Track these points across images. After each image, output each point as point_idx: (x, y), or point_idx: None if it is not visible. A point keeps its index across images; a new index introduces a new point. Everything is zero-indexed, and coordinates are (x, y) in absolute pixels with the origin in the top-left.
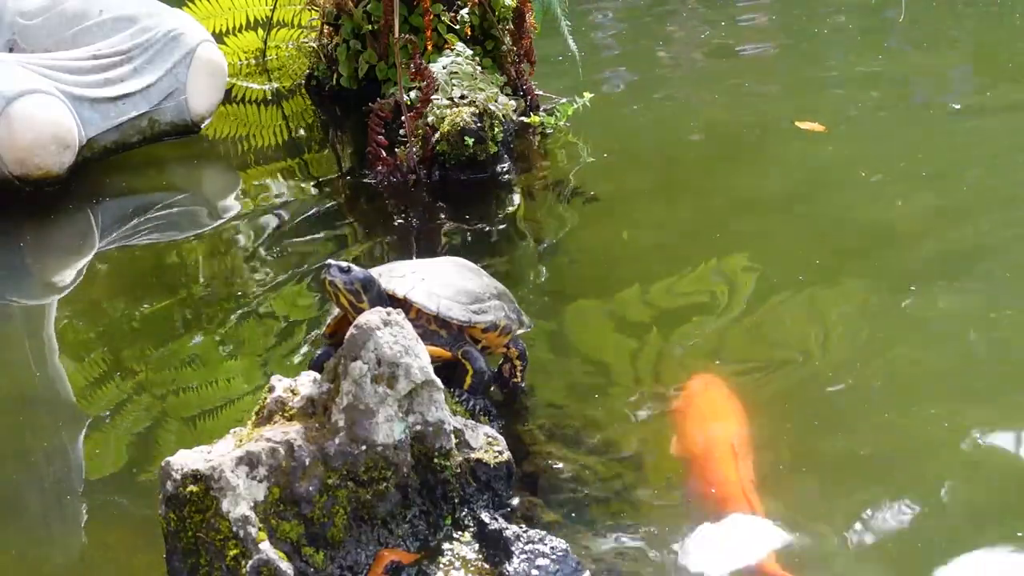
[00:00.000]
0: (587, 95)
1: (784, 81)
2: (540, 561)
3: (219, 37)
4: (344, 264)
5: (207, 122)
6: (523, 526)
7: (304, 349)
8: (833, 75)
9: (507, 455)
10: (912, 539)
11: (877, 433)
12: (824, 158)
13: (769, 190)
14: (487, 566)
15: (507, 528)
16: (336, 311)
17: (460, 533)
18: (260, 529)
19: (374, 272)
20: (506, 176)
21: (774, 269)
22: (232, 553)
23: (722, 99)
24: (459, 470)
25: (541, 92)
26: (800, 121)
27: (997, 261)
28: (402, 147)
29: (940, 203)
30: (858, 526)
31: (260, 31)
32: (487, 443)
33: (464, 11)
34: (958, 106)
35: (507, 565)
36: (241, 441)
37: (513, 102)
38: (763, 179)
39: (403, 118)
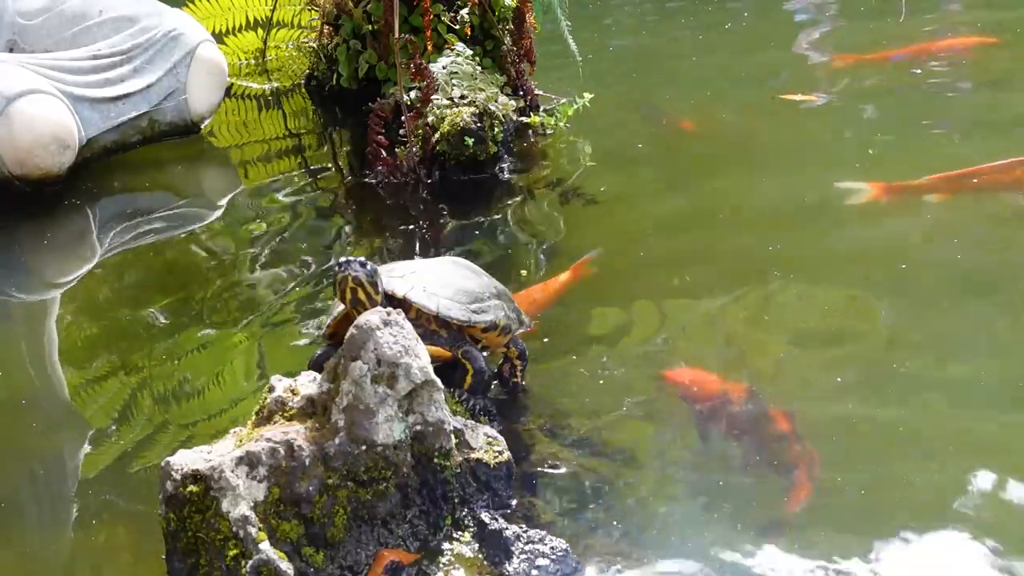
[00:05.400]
0: (587, 95)
1: (784, 66)
2: (540, 561)
3: (219, 37)
4: (361, 259)
5: (207, 122)
6: (523, 526)
7: (304, 349)
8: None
9: (507, 455)
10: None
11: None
12: (824, 135)
13: (772, 181)
14: (487, 566)
15: (507, 528)
16: (336, 311)
17: (460, 533)
18: (260, 529)
19: None
20: (506, 176)
21: (777, 267)
22: (232, 553)
23: (722, 93)
24: (459, 470)
25: (541, 92)
26: (785, 95)
27: None
28: (402, 147)
29: None
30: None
31: (260, 31)
32: (487, 443)
33: (464, 11)
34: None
35: (507, 565)
36: (241, 441)
37: (513, 102)
38: (765, 169)
39: (403, 118)
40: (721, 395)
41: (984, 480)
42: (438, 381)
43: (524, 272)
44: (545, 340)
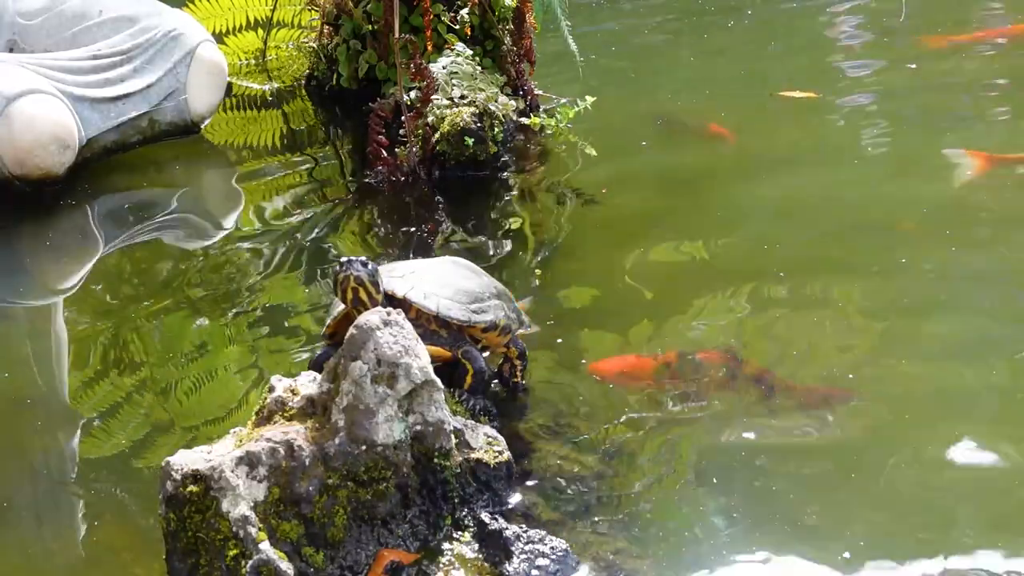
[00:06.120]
0: (589, 99)
1: (787, 62)
2: (540, 561)
3: (219, 37)
4: (363, 259)
5: (207, 122)
6: (523, 526)
7: (304, 349)
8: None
9: (507, 455)
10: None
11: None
12: (827, 130)
13: (772, 178)
14: (487, 566)
15: (507, 528)
16: (336, 311)
17: (460, 533)
18: (260, 529)
19: None
20: (506, 176)
21: (777, 266)
22: (232, 553)
23: (724, 92)
24: (459, 470)
25: (541, 92)
26: (783, 91)
27: None
28: (402, 147)
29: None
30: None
31: (260, 31)
32: (487, 443)
33: (464, 11)
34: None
35: (507, 565)
36: (241, 441)
37: (513, 102)
38: (767, 165)
39: (403, 118)
40: (659, 369)
41: None
42: (438, 381)
43: (524, 272)
44: (559, 341)
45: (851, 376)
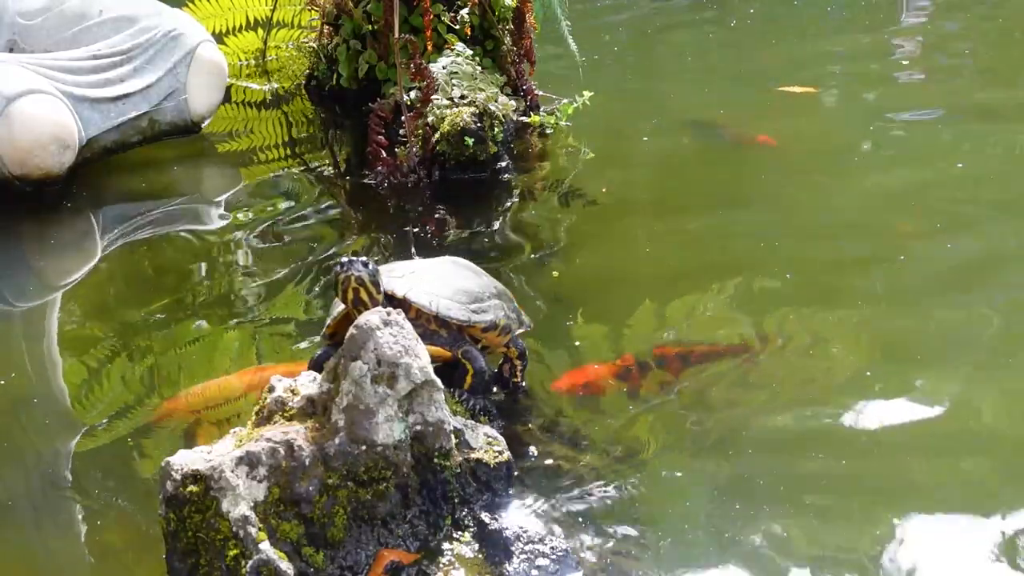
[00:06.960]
0: (587, 93)
1: (789, 60)
2: (540, 561)
3: (219, 37)
4: (363, 259)
5: (207, 122)
6: (523, 526)
7: (304, 349)
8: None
9: (507, 455)
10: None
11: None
12: (826, 131)
13: (772, 174)
14: (487, 566)
15: (507, 528)
16: (337, 311)
17: (460, 533)
18: (260, 529)
19: None
20: (506, 176)
21: (775, 267)
22: (232, 553)
23: (724, 91)
24: (459, 470)
25: (541, 92)
26: (784, 87)
27: None
28: (402, 147)
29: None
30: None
31: (260, 31)
32: (487, 443)
33: (464, 11)
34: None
35: (507, 565)
36: (241, 441)
37: (513, 102)
38: (767, 162)
39: (403, 118)
40: (626, 371)
41: None
42: (438, 381)
43: (523, 272)
44: (559, 341)
45: (867, 374)
